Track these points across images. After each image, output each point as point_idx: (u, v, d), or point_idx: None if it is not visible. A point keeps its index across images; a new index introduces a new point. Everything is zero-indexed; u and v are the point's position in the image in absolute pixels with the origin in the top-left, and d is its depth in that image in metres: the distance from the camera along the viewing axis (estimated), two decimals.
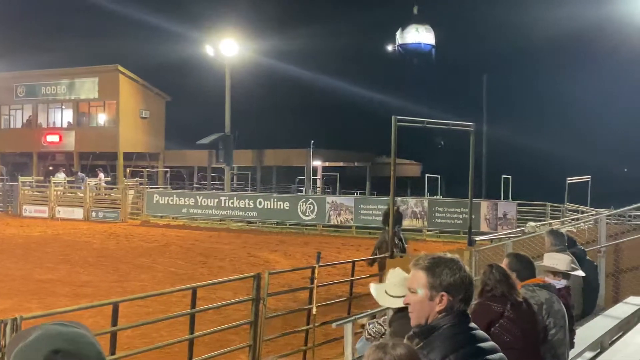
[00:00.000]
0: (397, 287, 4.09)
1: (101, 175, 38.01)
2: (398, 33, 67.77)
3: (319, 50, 55.10)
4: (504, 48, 55.33)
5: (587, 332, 7.07)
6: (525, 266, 5.10)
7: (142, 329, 10.49)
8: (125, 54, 48.81)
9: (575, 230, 10.34)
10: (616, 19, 33.58)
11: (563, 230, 7.97)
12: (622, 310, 8.33)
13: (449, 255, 2.77)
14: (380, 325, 7.63)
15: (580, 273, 6.25)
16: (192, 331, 8.67)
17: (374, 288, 3.12)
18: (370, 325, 8.01)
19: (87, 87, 43.98)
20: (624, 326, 7.81)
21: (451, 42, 61.59)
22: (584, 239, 9.78)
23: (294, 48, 51.19)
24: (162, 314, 10.68)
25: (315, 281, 10.32)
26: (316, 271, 10.34)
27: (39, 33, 53.88)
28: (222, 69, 36.09)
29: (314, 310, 10.22)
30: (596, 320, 7.84)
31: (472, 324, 2.72)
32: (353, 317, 6.40)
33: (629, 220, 16.48)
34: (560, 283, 5.76)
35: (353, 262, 12.71)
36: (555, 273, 5.82)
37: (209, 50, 36.14)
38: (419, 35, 66.88)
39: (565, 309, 5.11)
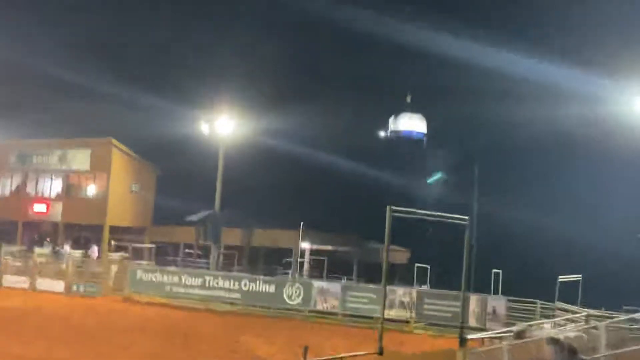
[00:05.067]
0: None
1: (95, 248, 37.45)
2: (391, 120, 68.71)
3: (312, 131, 55.37)
4: (496, 143, 55.81)
5: None
6: None
7: None
8: (119, 126, 48.86)
9: (572, 337, 10.03)
10: (611, 118, 33.89)
11: (561, 337, 7.69)
12: None
13: None
14: None
15: None
16: None
17: None
18: None
19: (79, 159, 43.94)
20: None
21: (443, 132, 62.51)
22: (583, 344, 9.48)
23: (288, 127, 51.30)
24: None
25: None
26: None
27: (34, 103, 54.02)
28: (216, 146, 36.16)
29: None
30: None
31: None
32: None
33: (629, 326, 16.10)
34: None
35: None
36: None
37: (204, 128, 36.32)
38: (411, 123, 67.83)
39: None
